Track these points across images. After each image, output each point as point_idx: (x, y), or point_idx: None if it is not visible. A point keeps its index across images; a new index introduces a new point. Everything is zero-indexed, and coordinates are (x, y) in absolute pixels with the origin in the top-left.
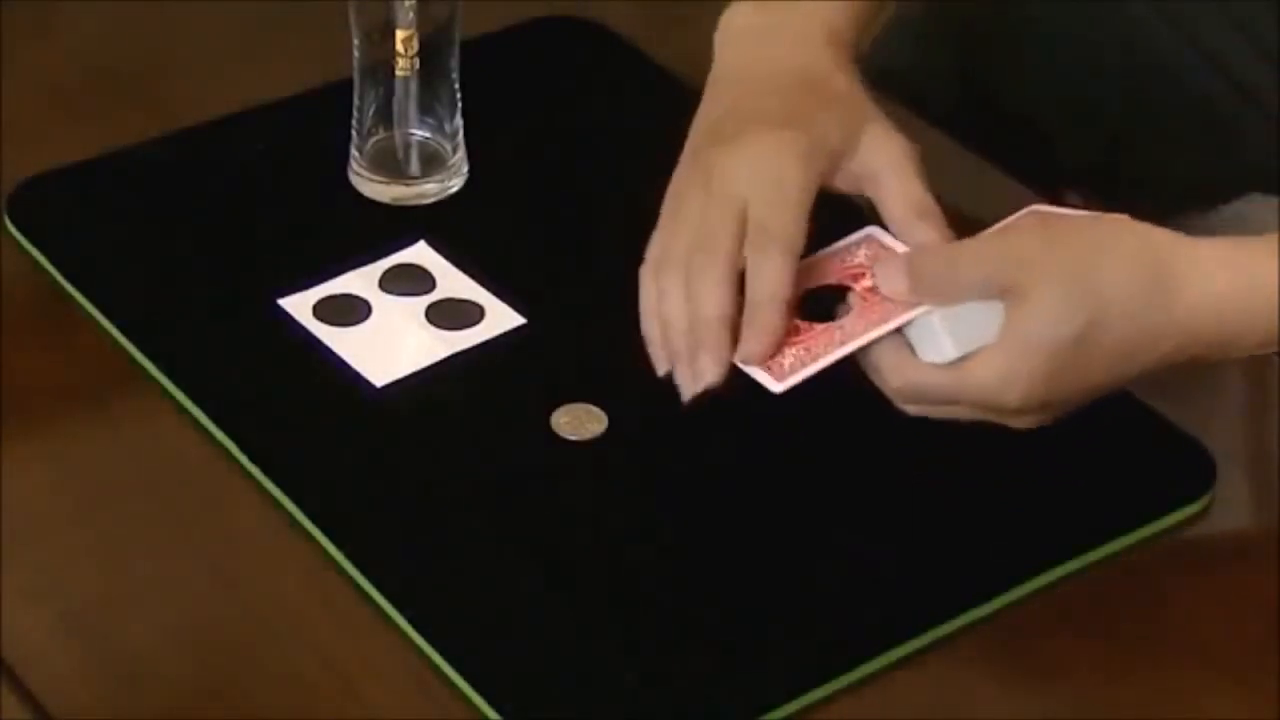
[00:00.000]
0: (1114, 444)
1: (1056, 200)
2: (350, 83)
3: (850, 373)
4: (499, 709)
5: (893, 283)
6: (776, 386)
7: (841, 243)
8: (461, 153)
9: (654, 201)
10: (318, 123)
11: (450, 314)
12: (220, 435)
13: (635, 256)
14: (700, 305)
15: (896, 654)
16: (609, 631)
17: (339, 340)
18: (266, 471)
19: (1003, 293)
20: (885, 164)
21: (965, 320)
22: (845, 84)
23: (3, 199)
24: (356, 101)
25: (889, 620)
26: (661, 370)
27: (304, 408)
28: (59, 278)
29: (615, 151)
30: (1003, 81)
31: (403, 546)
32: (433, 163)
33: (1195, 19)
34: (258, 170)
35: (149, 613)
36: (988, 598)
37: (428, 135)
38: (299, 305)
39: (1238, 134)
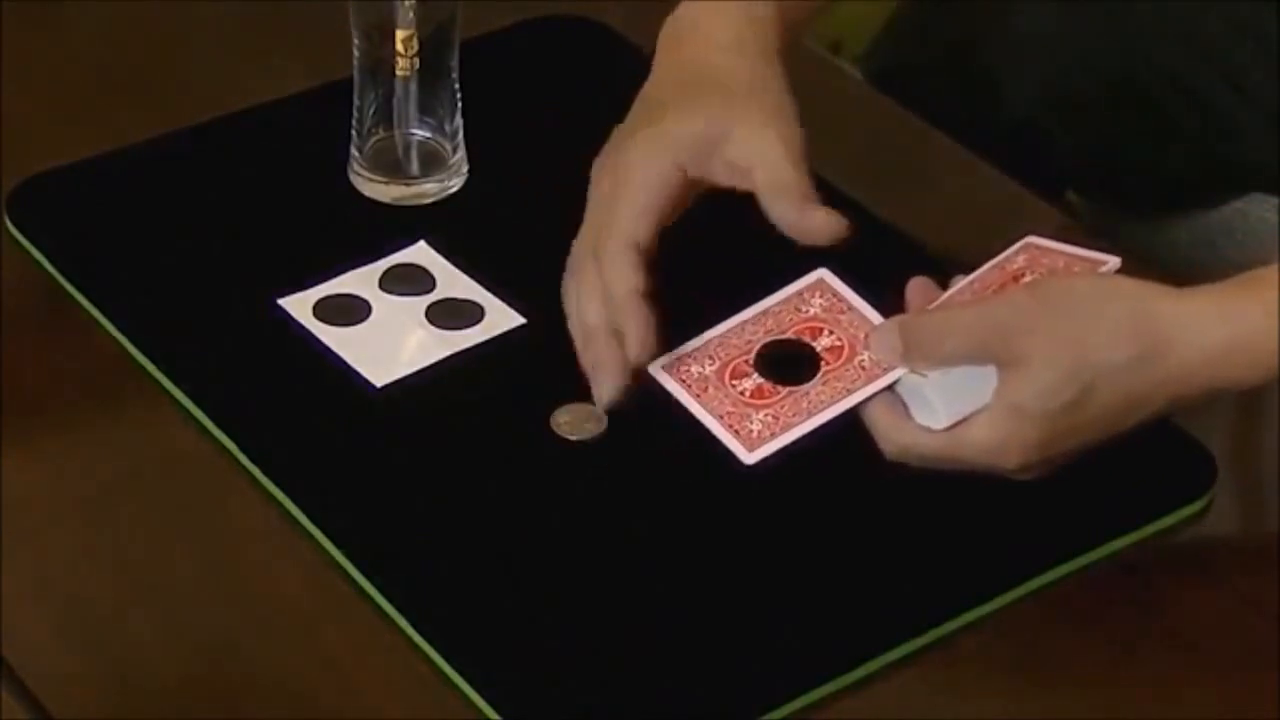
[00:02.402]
0: (1114, 444)
1: (1057, 204)
2: (350, 83)
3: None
4: (499, 709)
5: (885, 349)
6: (748, 457)
7: (792, 288)
8: (461, 153)
9: None
10: (318, 123)
11: (450, 314)
12: (220, 435)
13: None
14: (584, 315)
15: (896, 654)
16: (609, 631)
17: (339, 340)
18: (266, 471)
19: (995, 361)
20: (757, 155)
21: (957, 387)
22: (738, 75)
23: (3, 199)
24: (356, 101)
25: (889, 620)
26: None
27: (304, 408)
28: (59, 278)
29: None
30: (1002, 81)
31: (403, 546)
32: (433, 163)
33: (1195, 19)
34: (258, 170)
35: (149, 613)
36: (988, 598)
37: (428, 135)
38: (299, 305)
39: (1238, 134)
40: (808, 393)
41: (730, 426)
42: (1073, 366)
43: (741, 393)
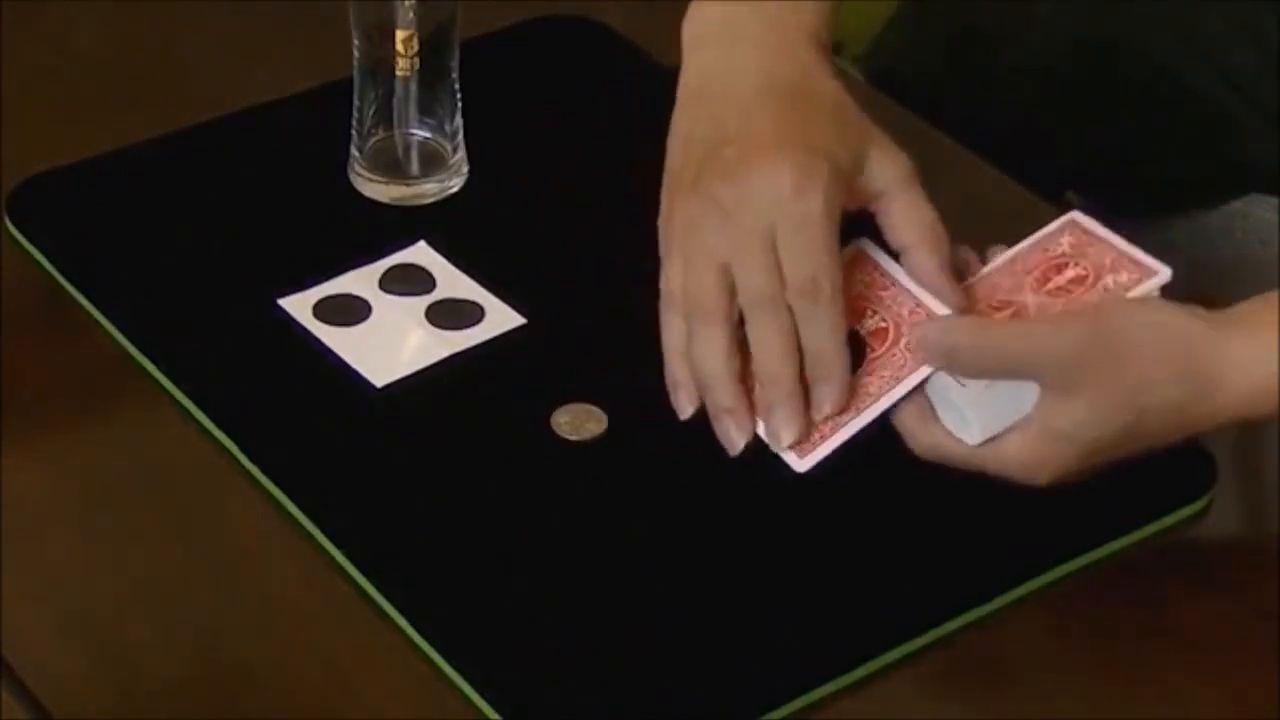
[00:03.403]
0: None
1: (1057, 204)
2: (350, 83)
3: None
4: (499, 709)
5: (932, 349)
6: (800, 465)
7: None
8: (461, 153)
9: (654, 201)
10: (318, 123)
11: (450, 314)
12: (220, 435)
13: (636, 257)
14: (771, 364)
15: (896, 654)
16: (609, 632)
17: (339, 340)
18: (266, 471)
19: (1042, 383)
20: (891, 183)
21: (995, 403)
22: (837, 94)
23: (3, 199)
24: (356, 101)
25: (889, 620)
26: (687, 413)
27: (304, 408)
28: (59, 278)
29: (616, 151)
30: (1002, 81)
31: (402, 546)
32: (433, 163)
33: (1195, 19)
34: (258, 170)
35: (149, 613)
36: (988, 598)
37: (428, 135)
38: (299, 305)
39: (1238, 134)
40: (853, 386)
41: None
42: (1122, 404)
43: None
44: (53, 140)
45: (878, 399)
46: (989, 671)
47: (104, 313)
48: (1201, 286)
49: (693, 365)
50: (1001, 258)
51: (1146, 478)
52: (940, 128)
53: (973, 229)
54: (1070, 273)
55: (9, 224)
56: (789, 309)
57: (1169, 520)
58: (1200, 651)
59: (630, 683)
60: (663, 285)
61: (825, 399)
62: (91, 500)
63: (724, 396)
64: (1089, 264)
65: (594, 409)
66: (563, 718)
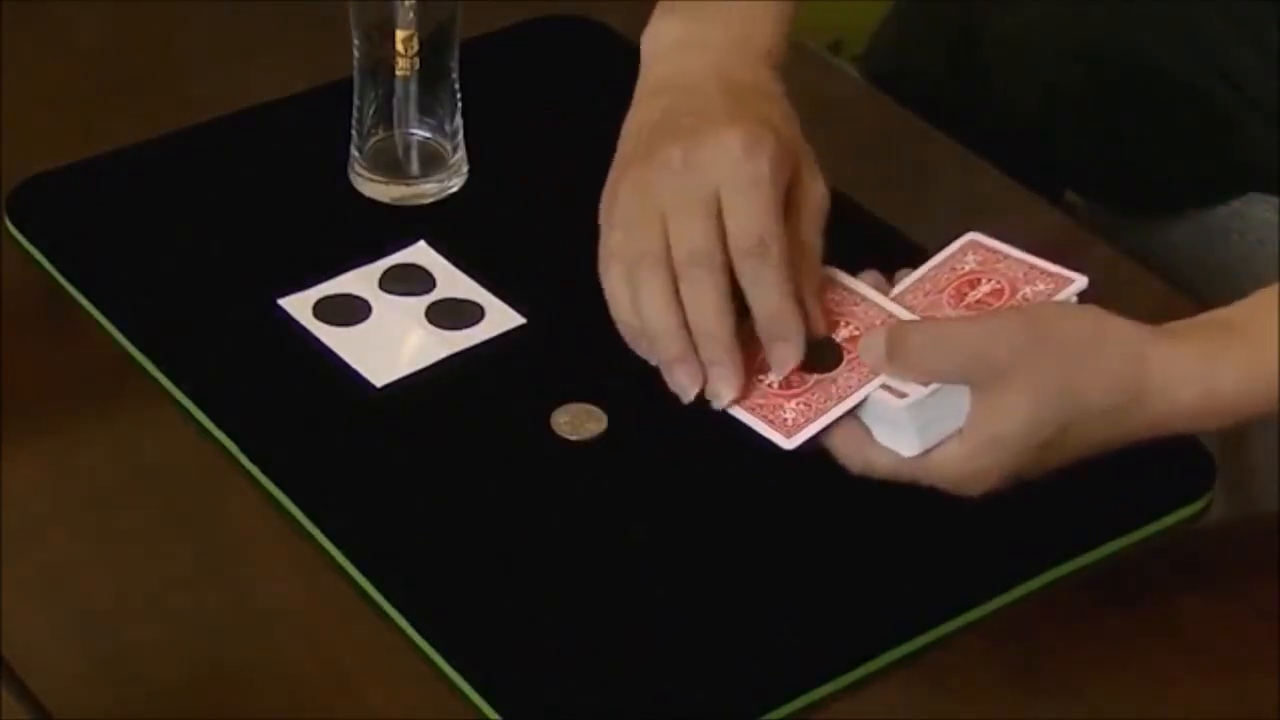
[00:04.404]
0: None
1: (1057, 204)
2: (350, 83)
3: None
4: (499, 709)
5: (872, 353)
6: (787, 443)
7: None
8: (461, 153)
9: None
10: (318, 123)
11: (450, 314)
12: (220, 435)
13: None
14: (707, 321)
15: (896, 654)
16: (609, 631)
17: (339, 340)
18: (266, 471)
19: (978, 385)
20: (797, 200)
21: (934, 412)
22: (787, 106)
23: (3, 199)
24: (356, 101)
25: (889, 620)
26: (655, 361)
27: (304, 408)
28: (59, 278)
29: (615, 151)
30: (1002, 82)
31: (402, 546)
32: (433, 163)
33: (1195, 19)
34: (258, 170)
35: (149, 613)
36: (988, 598)
37: (428, 135)
38: (299, 305)
39: (1238, 134)
40: (835, 379)
41: (765, 418)
42: (1058, 406)
43: (770, 385)
44: (53, 140)
45: (858, 388)
46: (989, 672)
47: (104, 313)
48: (1201, 286)
49: (640, 318)
50: (908, 280)
51: (1145, 478)
52: (940, 128)
53: (972, 229)
54: (985, 287)
55: (9, 224)
56: (727, 270)
57: (1168, 520)
58: (1200, 651)
59: (630, 683)
60: (601, 249)
61: (786, 357)
62: (91, 500)
63: (672, 346)
64: (1002, 279)
65: (594, 409)
66: (563, 718)
